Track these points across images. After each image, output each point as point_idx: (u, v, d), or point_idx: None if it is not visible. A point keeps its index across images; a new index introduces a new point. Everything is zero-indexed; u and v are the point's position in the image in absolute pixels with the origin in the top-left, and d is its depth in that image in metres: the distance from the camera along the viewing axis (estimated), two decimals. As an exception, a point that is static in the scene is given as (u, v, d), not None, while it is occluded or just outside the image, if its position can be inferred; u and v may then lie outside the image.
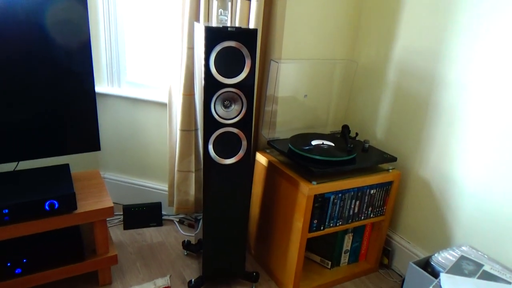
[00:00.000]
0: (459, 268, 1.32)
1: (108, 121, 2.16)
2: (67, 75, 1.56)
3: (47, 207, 1.40)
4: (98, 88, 2.09)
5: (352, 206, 1.66)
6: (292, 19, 1.83)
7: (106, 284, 1.64)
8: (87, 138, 1.70)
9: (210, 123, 1.41)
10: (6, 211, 1.34)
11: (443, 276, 1.28)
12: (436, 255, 1.44)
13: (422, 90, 1.71)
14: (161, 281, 1.68)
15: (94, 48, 2.04)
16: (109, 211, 1.52)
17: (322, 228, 1.61)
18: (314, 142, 1.73)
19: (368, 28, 1.96)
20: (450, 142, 1.62)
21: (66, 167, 1.65)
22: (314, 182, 1.51)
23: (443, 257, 1.42)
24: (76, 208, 1.46)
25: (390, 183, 1.73)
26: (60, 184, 1.49)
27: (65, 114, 1.61)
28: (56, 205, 1.41)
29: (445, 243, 1.68)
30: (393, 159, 1.72)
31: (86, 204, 1.51)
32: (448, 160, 1.63)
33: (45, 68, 1.51)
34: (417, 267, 1.41)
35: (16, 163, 1.89)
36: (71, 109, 1.61)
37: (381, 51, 1.89)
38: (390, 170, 1.72)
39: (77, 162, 2.20)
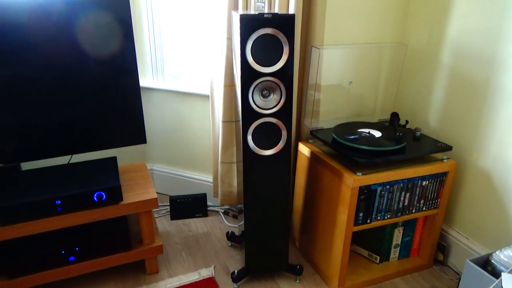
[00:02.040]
0: (524, 268, 1.19)
1: (154, 114, 2.22)
2: (113, 71, 1.61)
3: (95, 198, 1.46)
4: (143, 82, 2.14)
5: (402, 199, 1.56)
6: (334, 2, 1.74)
7: (153, 272, 1.69)
8: (134, 131, 1.75)
9: (249, 114, 1.38)
10: (59, 202, 1.42)
11: (505, 276, 1.16)
12: (497, 252, 1.31)
13: (480, 73, 1.56)
14: (206, 271, 1.70)
15: (138, 43, 2.09)
16: (154, 203, 1.56)
17: (368, 221, 1.53)
18: (360, 131, 1.65)
19: (418, 8, 1.81)
20: (514, 128, 1.46)
21: (113, 160, 1.71)
22: (359, 173, 1.43)
23: (506, 255, 1.29)
24: (122, 200, 1.51)
25: (444, 174, 1.60)
26: (108, 176, 1.54)
27: (113, 109, 1.66)
28: (104, 197, 1.47)
29: (508, 239, 1.53)
30: (447, 148, 1.59)
31: (132, 196, 1.56)
32: (511, 148, 1.47)
33: (92, 66, 1.57)
34: (475, 266, 1.29)
35: (70, 156, 2.00)
36: (118, 104, 1.66)
37: (434, 33, 1.75)
38: (445, 160, 1.59)
39: (125, 155, 2.29)
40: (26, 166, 2.01)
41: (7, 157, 1.58)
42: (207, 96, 2.04)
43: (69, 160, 1.95)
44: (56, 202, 1.41)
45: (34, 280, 1.48)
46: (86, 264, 1.53)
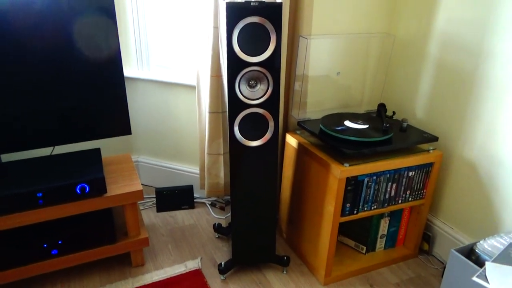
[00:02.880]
0: (507, 256, 1.20)
1: (139, 105, 2.18)
2: (96, 60, 1.57)
3: (78, 190, 1.42)
4: (128, 72, 2.09)
5: (388, 189, 1.57)
6: (323, -9, 1.72)
7: (139, 265, 1.67)
8: (118, 122, 1.71)
9: (235, 104, 1.36)
10: (40, 194, 1.38)
11: (489, 265, 1.17)
12: (481, 242, 1.32)
13: (467, 63, 1.56)
14: (192, 263, 1.69)
15: (122, 32, 2.04)
16: (139, 195, 1.53)
17: (355, 212, 1.54)
18: (347, 122, 1.64)
19: (406, -2, 1.80)
20: (498, 120, 1.47)
21: (97, 151, 1.67)
22: (346, 164, 1.43)
23: (489, 245, 1.31)
24: (105, 192, 1.48)
25: (430, 165, 1.61)
26: (91, 168, 1.51)
27: (96, 99, 1.62)
28: (87, 189, 1.43)
29: (492, 229, 1.55)
30: (434, 138, 1.60)
31: (116, 188, 1.53)
32: (496, 139, 1.49)
33: (74, 54, 1.52)
34: (459, 255, 1.31)
35: (52, 148, 1.95)
36: (101, 94, 1.62)
37: (422, 23, 1.74)
38: (431, 151, 1.59)
39: (110, 147, 2.24)
40: (6, 158, 1.95)
41: (-14, 149, 1.53)
42: (193, 87, 2.00)
43: (51, 152, 1.91)
44: (38, 194, 1.37)
45: (16, 274, 1.44)
46: (69, 257, 1.50)
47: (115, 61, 1.61)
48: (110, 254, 1.57)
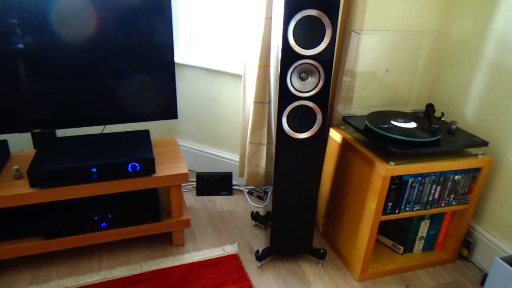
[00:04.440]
0: (557, 270, 1.17)
1: (184, 90, 2.23)
2: (150, 47, 1.63)
3: (129, 169, 1.49)
4: (176, 58, 2.15)
5: (432, 192, 1.54)
6: (379, -14, 1.69)
7: (179, 245, 1.74)
8: (166, 106, 1.77)
9: (285, 96, 1.38)
10: (95, 169, 1.46)
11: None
12: (528, 252, 1.29)
13: (527, 67, 1.50)
14: (230, 248, 1.74)
15: (174, 19, 2.09)
16: (184, 177, 1.59)
17: (397, 211, 1.53)
18: (393, 121, 1.62)
19: (465, -4, 1.74)
20: (557, 128, 1.41)
21: (146, 132, 1.74)
22: (392, 163, 1.42)
23: (537, 256, 1.27)
24: (154, 172, 1.54)
25: (478, 170, 1.56)
26: (141, 148, 1.58)
27: (147, 83, 1.69)
28: (138, 168, 1.50)
29: (540, 240, 1.50)
30: (483, 143, 1.56)
31: (164, 169, 1.59)
32: (553, 148, 1.43)
33: (129, 40, 1.58)
34: (504, 263, 1.28)
35: (103, 126, 2.04)
36: (152, 78, 1.69)
37: (479, 23, 1.68)
38: (479, 156, 1.55)
39: (154, 129, 2.32)
40: (60, 133, 2.06)
41: (44, 123, 1.63)
42: (239, 76, 2.03)
43: (102, 130, 2.00)
44: (92, 169, 1.45)
45: (68, 243, 1.54)
46: (117, 231, 1.59)
47: (167, 47, 1.67)
48: (154, 231, 1.64)
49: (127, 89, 1.68)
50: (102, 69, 1.61)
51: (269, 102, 1.88)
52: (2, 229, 1.49)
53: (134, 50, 1.62)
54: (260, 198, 2.17)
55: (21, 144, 2.08)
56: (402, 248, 1.74)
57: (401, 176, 1.45)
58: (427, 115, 1.73)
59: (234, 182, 2.26)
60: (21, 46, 1.48)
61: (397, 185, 1.47)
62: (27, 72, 1.52)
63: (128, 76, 1.66)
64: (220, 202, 2.11)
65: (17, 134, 2.04)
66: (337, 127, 1.76)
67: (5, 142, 1.63)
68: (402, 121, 1.63)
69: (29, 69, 1.52)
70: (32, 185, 1.41)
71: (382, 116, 1.67)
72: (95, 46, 1.56)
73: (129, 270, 1.58)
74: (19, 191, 1.40)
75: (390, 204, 1.50)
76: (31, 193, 1.41)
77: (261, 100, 1.85)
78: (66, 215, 1.51)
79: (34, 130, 1.64)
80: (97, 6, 1.51)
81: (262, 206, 2.09)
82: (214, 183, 2.15)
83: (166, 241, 1.76)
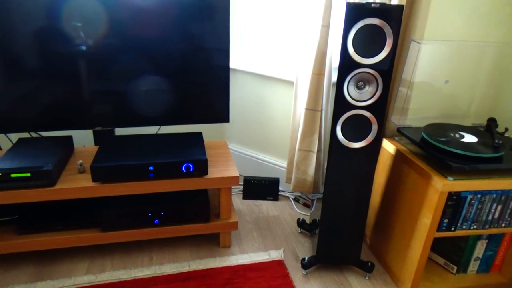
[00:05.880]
0: None
1: (236, 95, 2.28)
2: (206, 52, 1.68)
3: (184, 169, 1.54)
4: (230, 63, 2.19)
5: (492, 210, 1.46)
6: (442, -5, 1.64)
7: (226, 246, 1.77)
8: (219, 110, 1.82)
9: (341, 104, 1.37)
10: (151, 168, 1.52)
11: None
12: None
13: None
14: (275, 253, 1.74)
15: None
16: (235, 180, 1.62)
17: (452, 229, 1.46)
18: (452, 134, 1.56)
19: (537, 6, 1.65)
20: None
21: (199, 135, 1.79)
22: (450, 178, 1.36)
23: None
24: (207, 173, 1.58)
25: (545, 190, 1.47)
26: (195, 150, 1.62)
27: (202, 87, 1.74)
28: (192, 168, 1.55)
29: None
30: (553, 162, 1.46)
31: (215, 171, 1.63)
32: None
33: (188, 44, 1.65)
34: None
35: (158, 127, 2.13)
36: (208, 82, 1.74)
37: (552, 33, 1.58)
38: (547, 175, 1.45)
39: (205, 132, 2.38)
40: (118, 132, 2.17)
41: (106, 121, 1.73)
42: (290, 82, 2.04)
43: (157, 131, 2.08)
44: (149, 168, 1.52)
45: (122, 236, 1.61)
46: (168, 229, 1.64)
47: (223, 52, 1.71)
48: (202, 232, 1.68)
49: (183, 92, 1.74)
50: (161, 72, 1.68)
51: (321, 110, 1.87)
52: (64, 219, 1.59)
53: (192, 54, 1.68)
54: (306, 205, 2.16)
55: (83, 140, 2.21)
56: (455, 268, 1.66)
57: (459, 192, 1.39)
58: (489, 130, 1.65)
59: (280, 187, 2.27)
60: (85, 48, 1.58)
61: (455, 201, 1.41)
62: (91, 74, 1.62)
63: (185, 80, 1.72)
64: (266, 206, 2.12)
65: (80, 131, 2.17)
66: (391, 137, 1.72)
67: (70, 138, 1.74)
68: (462, 134, 1.56)
69: (92, 71, 1.62)
70: (94, 179, 1.49)
71: (440, 129, 1.61)
72: (155, 50, 1.64)
73: (178, 267, 1.63)
74: (82, 184, 1.49)
75: (445, 220, 1.44)
76: (93, 187, 1.49)
77: (313, 107, 1.85)
78: (123, 210, 1.58)
79: (96, 128, 1.74)
80: (158, 12, 1.59)
81: (308, 214, 2.08)
82: (261, 187, 2.17)
83: (213, 242, 1.80)
